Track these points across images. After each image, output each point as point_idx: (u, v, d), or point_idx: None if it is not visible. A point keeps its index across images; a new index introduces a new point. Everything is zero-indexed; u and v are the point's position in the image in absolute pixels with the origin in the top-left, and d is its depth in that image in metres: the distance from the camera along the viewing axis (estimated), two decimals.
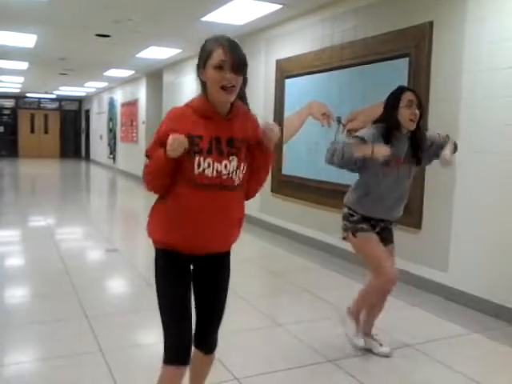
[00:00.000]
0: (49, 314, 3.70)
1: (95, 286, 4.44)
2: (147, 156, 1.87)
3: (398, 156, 2.82)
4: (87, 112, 22.22)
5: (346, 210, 2.98)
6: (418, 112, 2.78)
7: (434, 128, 4.23)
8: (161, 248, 1.94)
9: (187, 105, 1.88)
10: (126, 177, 14.60)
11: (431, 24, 4.27)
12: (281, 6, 5.83)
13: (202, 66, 1.81)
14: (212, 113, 1.83)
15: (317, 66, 5.82)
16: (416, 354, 3.17)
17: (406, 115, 2.77)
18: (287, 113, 6.50)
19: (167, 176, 1.84)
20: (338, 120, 5.49)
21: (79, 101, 23.21)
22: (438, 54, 4.25)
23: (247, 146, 1.89)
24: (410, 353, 3.19)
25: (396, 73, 4.62)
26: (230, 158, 1.84)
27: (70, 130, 23.51)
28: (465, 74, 3.99)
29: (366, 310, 3.10)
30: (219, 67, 1.75)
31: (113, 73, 12.71)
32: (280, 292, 4.46)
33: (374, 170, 2.83)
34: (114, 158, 16.75)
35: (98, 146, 19.44)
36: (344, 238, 3.04)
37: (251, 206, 7.09)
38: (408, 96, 2.79)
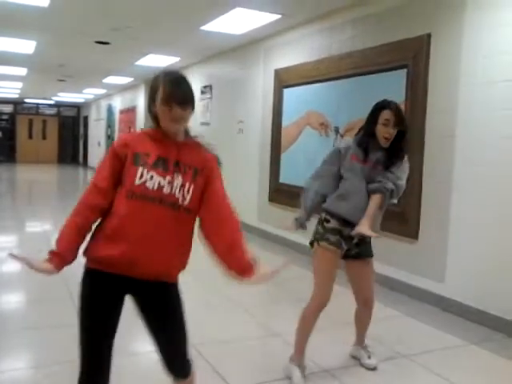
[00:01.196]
0: (44, 319, 3.69)
1: None
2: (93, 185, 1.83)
3: (370, 159, 2.84)
4: (85, 118, 22.24)
5: (323, 214, 3.00)
6: (392, 131, 2.79)
7: (432, 138, 4.28)
8: (92, 267, 1.84)
9: (140, 130, 1.96)
10: None
11: (429, 36, 4.29)
12: (279, 16, 5.87)
13: (152, 100, 1.85)
14: (163, 136, 1.86)
15: (315, 76, 5.84)
16: (412, 365, 3.17)
17: (381, 133, 2.80)
18: (285, 122, 6.52)
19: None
20: (336, 130, 5.51)
21: (78, 107, 23.24)
22: (436, 66, 4.27)
23: (195, 172, 1.87)
24: (405, 364, 3.18)
25: (394, 84, 4.64)
26: (175, 174, 1.82)
27: (68, 136, 23.50)
28: (462, 86, 4.02)
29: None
30: (166, 103, 1.79)
31: (111, 80, 12.74)
32: (277, 301, 4.45)
33: (347, 167, 2.89)
34: None
35: (96, 153, 19.43)
36: (311, 244, 3.07)
37: (249, 215, 7.09)
38: (385, 115, 2.78)
